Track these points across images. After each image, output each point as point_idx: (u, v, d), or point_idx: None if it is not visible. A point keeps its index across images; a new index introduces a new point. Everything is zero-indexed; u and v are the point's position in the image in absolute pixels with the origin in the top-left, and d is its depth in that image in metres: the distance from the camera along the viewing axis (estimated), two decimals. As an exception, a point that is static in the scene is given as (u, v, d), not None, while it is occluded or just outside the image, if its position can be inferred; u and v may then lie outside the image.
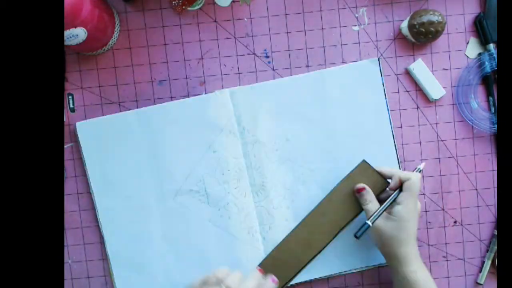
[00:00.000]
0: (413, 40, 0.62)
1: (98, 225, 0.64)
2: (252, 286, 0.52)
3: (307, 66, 0.65)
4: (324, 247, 0.62)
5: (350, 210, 0.61)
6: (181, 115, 0.63)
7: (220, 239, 0.63)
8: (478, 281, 0.65)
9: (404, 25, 0.62)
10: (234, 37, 0.64)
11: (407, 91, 0.65)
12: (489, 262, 0.65)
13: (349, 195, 0.61)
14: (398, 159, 0.64)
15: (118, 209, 0.64)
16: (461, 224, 0.66)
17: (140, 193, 0.64)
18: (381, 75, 0.64)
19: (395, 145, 0.64)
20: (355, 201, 0.61)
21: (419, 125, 0.65)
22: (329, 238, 0.62)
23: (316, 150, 0.64)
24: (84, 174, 0.64)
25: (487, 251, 0.65)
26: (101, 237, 0.64)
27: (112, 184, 0.64)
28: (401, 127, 0.65)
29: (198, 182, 0.63)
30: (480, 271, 0.65)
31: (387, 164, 0.63)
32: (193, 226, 0.64)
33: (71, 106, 0.64)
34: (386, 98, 0.64)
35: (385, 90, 0.64)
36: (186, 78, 0.65)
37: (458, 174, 0.65)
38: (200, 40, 0.64)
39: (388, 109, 0.64)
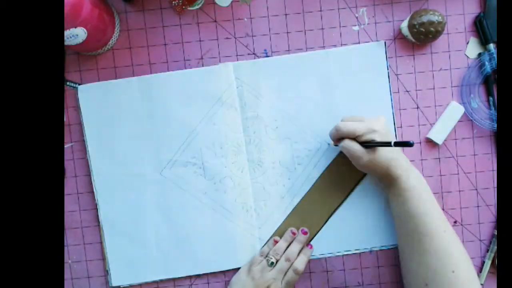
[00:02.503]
0: (413, 40, 0.62)
1: (99, 225, 0.64)
2: (298, 248, 0.62)
3: (307, 66, 0.64)
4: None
5: (344, 187, 0.64)
6: (183, 85, 0.63)
7: (214, 213, 0.64)
8: (478, 281, 0.65)
9: (404, 25, 0.62)
10: (234, 37, 0.64)
11: (407, 91, 0.65)
12: (489, 262, 0.65)
13: (340, 173, 0.63)
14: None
15: (113, 176, 0.64)
16: (461, 224, 0.66)
17: (137, 161, 0.64)
18: (386, 59, 0.64)
19: (395, 129, 0.64)
20: (347, 178, 0.63)
21: (419, 125, 0.65)
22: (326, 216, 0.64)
23: (315, 130, 0.64)
24: (85, 173, 0.65)
25: (487, 251, 0.65)
26: (96, 205, 0.64)
27: (109, 150, 0.63)
28: (401, 127, 0.65)
29: (195, 154, 0.64)
30: (480, 271, 0.65)
31: None
32: (188, 198, 0.64)
33: (73, 85, 0.64)
34: (389, 82, 0.64)
35: (389, 73, 0.64)
36: (186, 78, 0.65)
37: (458, 174, 0.65)
38: (200, 40, 0.64)
39: (391, 93, 0.64)
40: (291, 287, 0.62)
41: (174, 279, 0.65)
